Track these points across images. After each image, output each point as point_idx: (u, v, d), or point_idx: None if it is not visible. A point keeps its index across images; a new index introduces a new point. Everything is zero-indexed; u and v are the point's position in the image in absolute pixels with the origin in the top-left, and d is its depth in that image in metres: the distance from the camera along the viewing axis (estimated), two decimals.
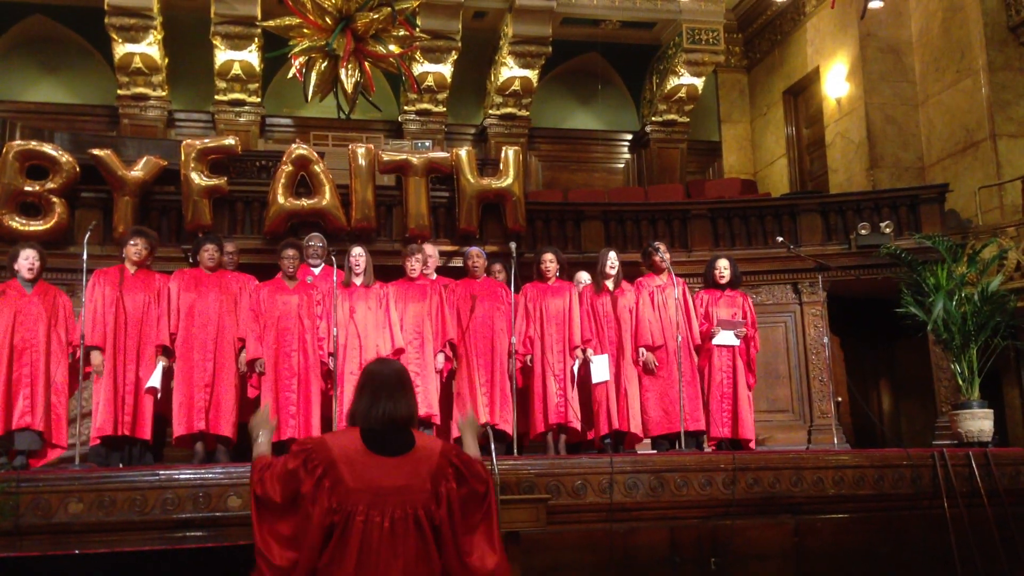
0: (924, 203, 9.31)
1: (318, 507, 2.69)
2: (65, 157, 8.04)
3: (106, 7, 11.25)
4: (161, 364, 6.58)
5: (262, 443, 2.94)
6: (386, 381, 2.87)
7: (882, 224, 9.10)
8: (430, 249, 7.67)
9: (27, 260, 6.43)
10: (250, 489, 2.81)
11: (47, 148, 8.10)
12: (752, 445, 7.31)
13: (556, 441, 7.16)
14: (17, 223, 7.79)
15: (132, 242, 6.73)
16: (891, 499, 6.49)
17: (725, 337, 7.28)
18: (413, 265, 7.24)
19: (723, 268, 7.53)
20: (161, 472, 5.31)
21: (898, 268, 8.64)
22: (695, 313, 7.40)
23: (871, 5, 9.81)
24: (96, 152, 8.12)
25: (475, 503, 2.86)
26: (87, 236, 6.52)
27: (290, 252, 6.93)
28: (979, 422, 7.55)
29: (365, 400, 2.84)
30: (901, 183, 10.69)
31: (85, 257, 6.43)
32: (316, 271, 7.09)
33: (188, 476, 5.27)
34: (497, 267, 7.65)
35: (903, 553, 6.39)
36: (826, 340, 8.49)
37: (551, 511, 5.39)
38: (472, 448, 3.09)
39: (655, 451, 7.16)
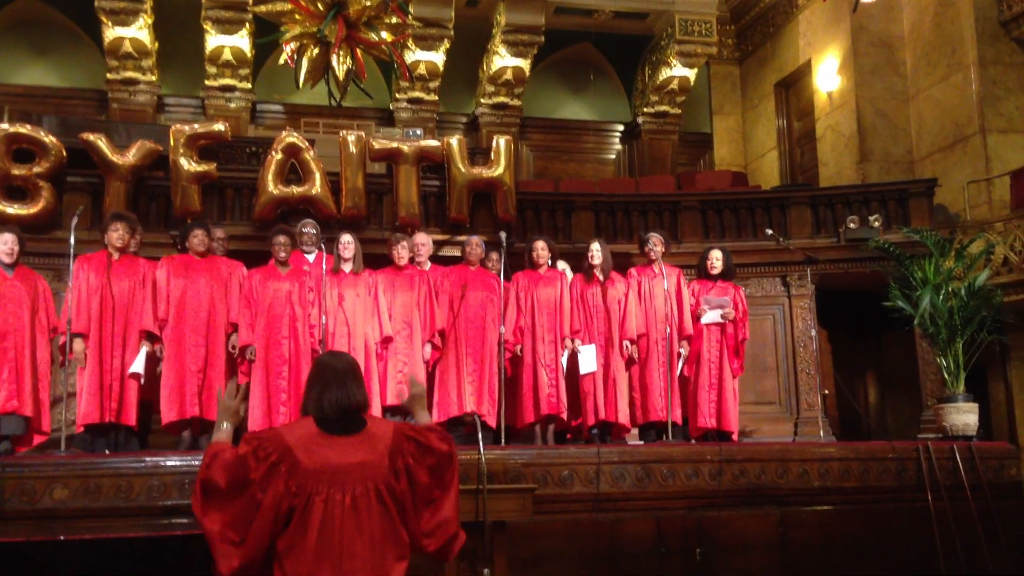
0: (913, 197, 9.34)
1: (272, 491, 2.70)
2: (52, 141, 7.97)
3: None
4: (144, 349, 6.55)
5: (223, 430, 2.96)
6: (337, 372, 2.91)
7: (871, 218, 9.13)
8: (423, 238, 7.65)
9: (5, 244, 6.36)
10: (197, 473, 2.81)
11: (34, 132, 8.00)
12: (735, 437, 7.35)
13: (544, 431, 7.17)
14: (3, 207, 7.73)
15: (113, 227, 6.67)
16: (876, 491, 6.54)
17: (712, 316, 7.31)
18: (400, 253, 7.24)
19: (715, 259, 7.55)
20: (147, 459, 5.31)
21: (886, 262, 8.67)
22: (687, 303, 7.41)
23: None
24: (87, 137, 8.06)
25: (446, 464, 2.92)
26: (75, 221, 6.48)
27: (282, 239, 6.90)
28: (964, 416, 7.59)
29: (317, 389, 2.88)
30: (890, 177, 10.71)
31: (73, 242, 6.40)
32: (310, 258, 7.05)
33: (174, 463, 5.27)
34: (494, 256, 7.62)
35: (887, 545, 6.44)
36: (813, 333, 8.53)
37: (538, 501, 5.41)
38: (423, 417, 3.13)
39: (640, 442, 7.18)
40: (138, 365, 6.48)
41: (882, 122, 11.41)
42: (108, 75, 12.04)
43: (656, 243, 7.53)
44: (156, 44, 12.03)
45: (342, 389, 2.88)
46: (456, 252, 8.15)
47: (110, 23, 11.47)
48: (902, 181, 10.00)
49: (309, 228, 7.20)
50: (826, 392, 8.67)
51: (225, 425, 2.97)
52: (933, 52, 11.05)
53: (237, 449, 2.78)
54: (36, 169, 7.86)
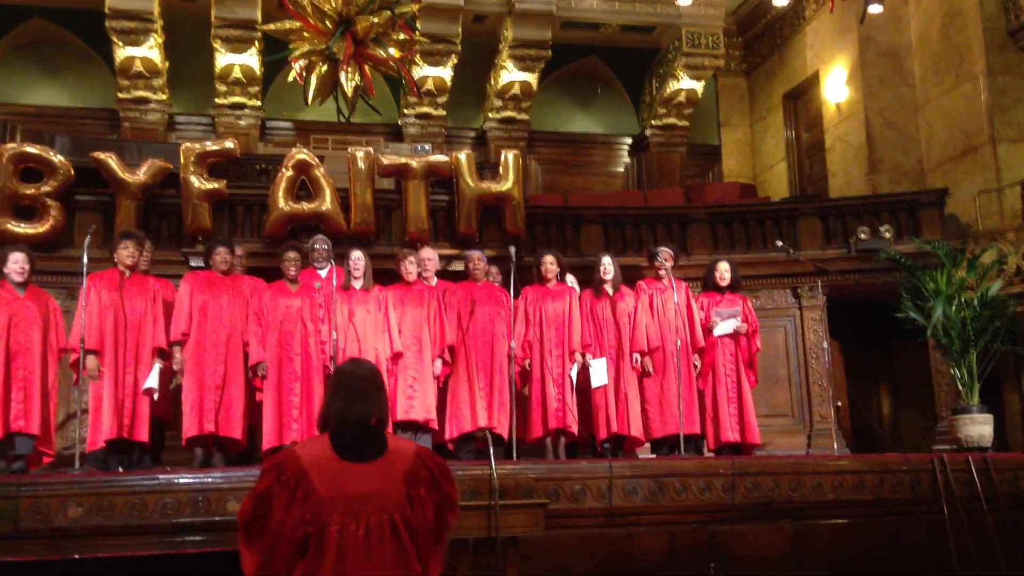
0: (924, 207, 9.31)
1: (290, 518, 2.67)
2: (60, 159, 7.99)
3: (106, 10, 11.25)
4: (158, 366, 6.58)
5: None
6: (360, 382, 2.84)
7: (882, 228, 9.09)
8: (429, 253, 7.67)
9: (16, 263, 6.40)
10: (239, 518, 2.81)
11: (41, 151, 8.04)
12: (754, 451, 7.34)
13: (555, 445, 7.16)
14: (12, 226, 7.75)
15: (123, 245, 6.71)
16: (891, 504, 6.49)
17: (724, 327, 7.30)
18: (408, 268, 7.25)
19: (724, 271, 7.55)
20: (161, 476, 5.32)
21: (898, 273, 8.64)
22: (697, 317, 7.42)
23: (870, 9, 9.80)
24: (99, 155, 8.10)
25: (448, 509, 2.85)
26: (87, 240, 6.51)
27: (291, 255, 6.92)
28: (979, 427, 7.55)
29: (339, 402, 2.81)
30: (901, 187, 10.69)
31: (86, 260, 6.43)
32: (322, 273, 7.07)
33: (187, 480, 5.27)
34: (494, 270, 7.65)
35: (902, 558, 6.39)
36: (825, 345, 8.50)
37: (550, 515, 5.41)
38: None
39: (654, 456, 7.16)
40: (152, 381, 6.51)
41: (891, 132, 11.39)
42: (119, 94, 12.12)
43: (666, 257, 7.54)
44: (167, 63, 12.12)
45: (366, 403, 2.81)
46: None
47: (121, 43, 11.56)
48: (912, 191, 9.98)
49: (321, 244, 7.22)
50: (839, 404, 8.62)
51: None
52: (941, 62, 11.04)
53: (259, 480, 2.76)
54: (44, 188, 7.89)
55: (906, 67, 11.55)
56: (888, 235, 9.05)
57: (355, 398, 2.80)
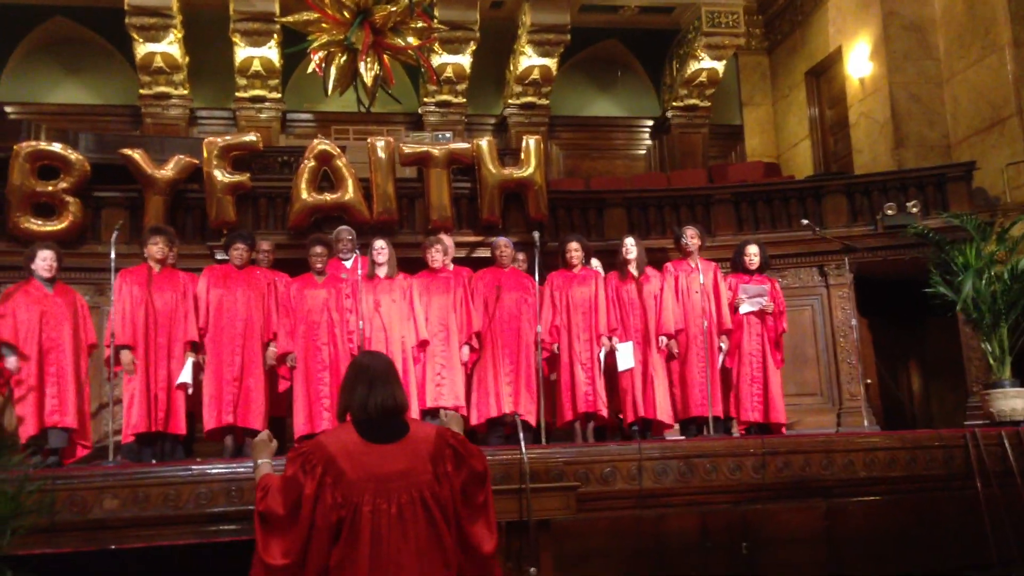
0: (951, 182, 9.19)
1: (321, 505, 2.70)
2: (75, 156, 8.04)
3: (126, 7, 11.32)
4: (191, 360, 6.68)
5: (263, 464, 2.99)
6: (379, 372, 2.90)
7: (909, 204, 8.99)
8: (447, 240, 7.68)
9: (44, 260, 6.50)
10: (254, 509, 2.82)
11: (56, 148, 8.08)
12: (784, 430, 7.30)
13: (584, 428, 7.17)
14: (33, 224, 7.82)
15: (152, 241, 6.80)
16: (923, 480, 6.44)
17: (751, 305, 7.28)
18: (434, 256, 7.27)
19: (753, 254, 7.52)
20: (194, 467, 5.36)
21: (926, 248, 8.55)
22: (724, 298, 7.38)
23: None
24: (127, 152, 8.16)
25: (476, 484, 2.89)
26: (115, 236, 6.57)
27: (318, 249, 6.98)
28: (1011, 401, 7.46)
29: (360, 391, 2.87)
30: (927, 162, 10.55)
31: (113, 256, 6.50)
32: (347, 264, 7.10)
33: (220, 471, 5.31)
34: (520, 256, 7.65)
35: (936, 534, 6.34)
36: (854, 322, 8.43)
37: (580, 498, 5.40)
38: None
39: (682, 437, 7.15)
40: (185, 375, 6.60)
41: (916, 107, 11.25)
42: (141, 90, 12.21)
43: (692, 236, 7.51)
44: (187, 58, 12.18)
45: (386, 390, 2.87)
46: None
47: (141, 39, 11.62)
48: (939, 166, 9.84)
49: (346, 234, 7.26)
50: (868, 382, 8.55)
51: (263, 459, 3.00)
52: (966, 34, 10.88)
53: (285, 469, 2.80)
54: (62, 185, 7.93)
55: (930, 40, 11.39)
56: (915, 210, 8.94)
57: (375, 387, 2.87)
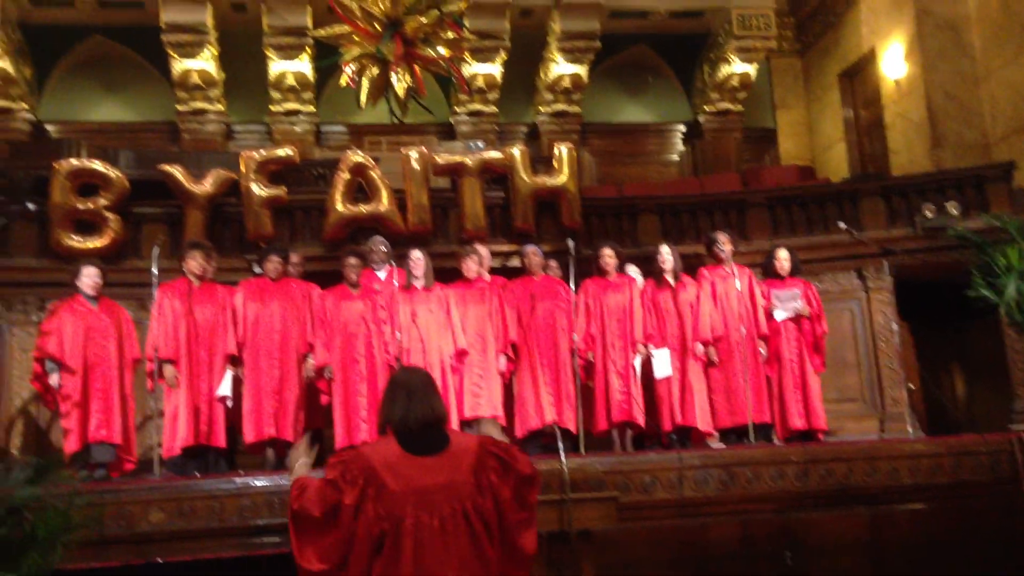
0: (990, 182, 9.04)
1: (363, 517, 2.71)
2: (115, 173, 8.14)
3: (162, 25, 11.50)
4: (230, 373, 6.74)
5: (300, 466, 3.01)
6: (417, 386, 2.93)
7: (948, 205, 8.86)
8: (482, 250, 7.70)
9: (89, 277, 6.64)
10: (288, 507, 2.85)
11: (95, 165, 8.20)
12: (820, 436, 7.23)
13: (622, 437, 7.14)
14: (74, 241, 7.93)
15: (192, 256, 6.89)
16: (969, 487, 6.35)
17: (784, 310, 7.22)
18: (470, 265, 7.29)
19: (783, 259, 7.48)
20: (238, 480, 5.42)
21: (966, 250, 8.42)
22: (760, 303, 7.34)
23: None
24: (166, 168, 8.27)
25: (526, 487, 2.90)
26: (156, 251, 6.67)
27: (352, 261, 7.03)
28: None
29: (400, 405, 2.89)
30: (965, 162, 10.40)
31: (155, 271, 6.59)
32: (381, 275, 7.15)
33: (263, 483, 5.37)
34: (553, 264, 7.64)
35: (983, 541, 6.24)
36: (895, 326, 8.32)
37: (621, 508, 5.40)
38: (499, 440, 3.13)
39: (723, 445, 7.10)
40: (225, 388, 6.67)
41: (953, 106, 11.11)
42: (178, 106, 12.39)
43: (724, 242, 7.47)
44: (222, 74, 12.34)
45: (425, 403, 2.89)
46: None
47: (177, 56, 11.80)
48: (978, 166, 9.69)
49: (379, 246, 7.30)
50: (911, 386, 8.44)
51: (301, 462, 3.02)
52: (1002, 32, 10.74)
53: (324, 475, 2.82)
54: (101, 201, 8.03)
55: (965, 39, 11.25)
56: (955, 212, 8.81)
57: (415, 401, 2.89)
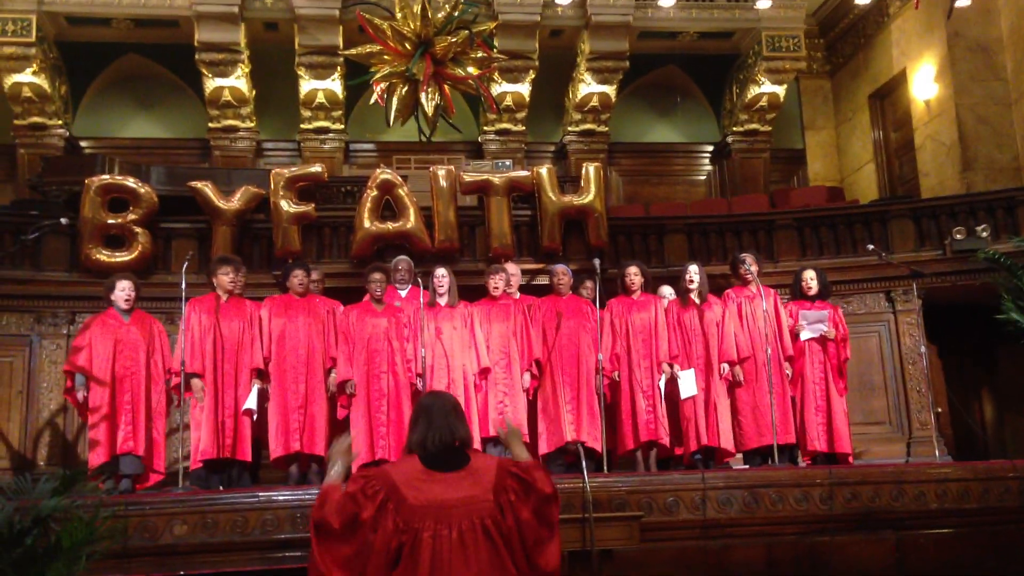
0: (1021, 205, 8.96)
1: (382, 530, 2.75)
2: (144, 189, 8.29)
3: (196, 43, 11.69)
4: (256, 387, 6.79)
5: (335, 473, 3.01)
6: (441, 409, 2.99)
7: (978, 228, 8.79)
8: (512, 268, 7.72)
9: (123, 291, 6.72)
10: (311, 513, 2.89)
11: (126, 180, 8.35)
12: (851, 459, 7.16)
13: (646, 457, 7.11)
14: (104, 255, 8.07)
15: (222, 271, 6.96)
16: (998, 513, 6.24)
17: (810, 331, 7.18)
18: (496, 283, 7.30)
19: (810, 279, 7.42)
20: (261, 494, 5.45)
21: (996, 273, 8.31)
22: (786, 324, 7.29)
23: (958, 4, 9.50)
24: (195, 185, 8.40)
25: (547, 505, 2.92)
26: (185, 265, 6.75)
27: (377, 276, 7.06)
28: None
29: (422, 427, 2.95)
30: (996, 185, 10.31)
31: (184, 286, 6.67)
32: (403, 293, 7.19)
33: (286, 497, 5.39)
34: (589, 284, 7.62)
35: (1012, 568, 6.14)
36: (923, 349, 8.22)
37: (644, 528, 5.36)
38: (522, 453, 3.13)
39: (748, 466, 7.05)
40: (251, 402, 6.72)
41: (985, 129, 11.02)
42: (210, 124, 12.57)
43: (751, 263, 7.44)
44: (253, 92, 12.50)
45: (445, 426, 2.94)
46: None
47: (210, 74, 11.98)
48: (1010, 188, 9.60)
49: (401, 264, 7.35)
50: (939, 410, 8.34)
51: (338, 466, 3.04)
52: None
53: (346, 488, 2.85)
54: (131, 217, 8.17)
55: (997, 61, 11.17)
56: (985, 235, 8.73)
57: (435, 423, 2.95)
